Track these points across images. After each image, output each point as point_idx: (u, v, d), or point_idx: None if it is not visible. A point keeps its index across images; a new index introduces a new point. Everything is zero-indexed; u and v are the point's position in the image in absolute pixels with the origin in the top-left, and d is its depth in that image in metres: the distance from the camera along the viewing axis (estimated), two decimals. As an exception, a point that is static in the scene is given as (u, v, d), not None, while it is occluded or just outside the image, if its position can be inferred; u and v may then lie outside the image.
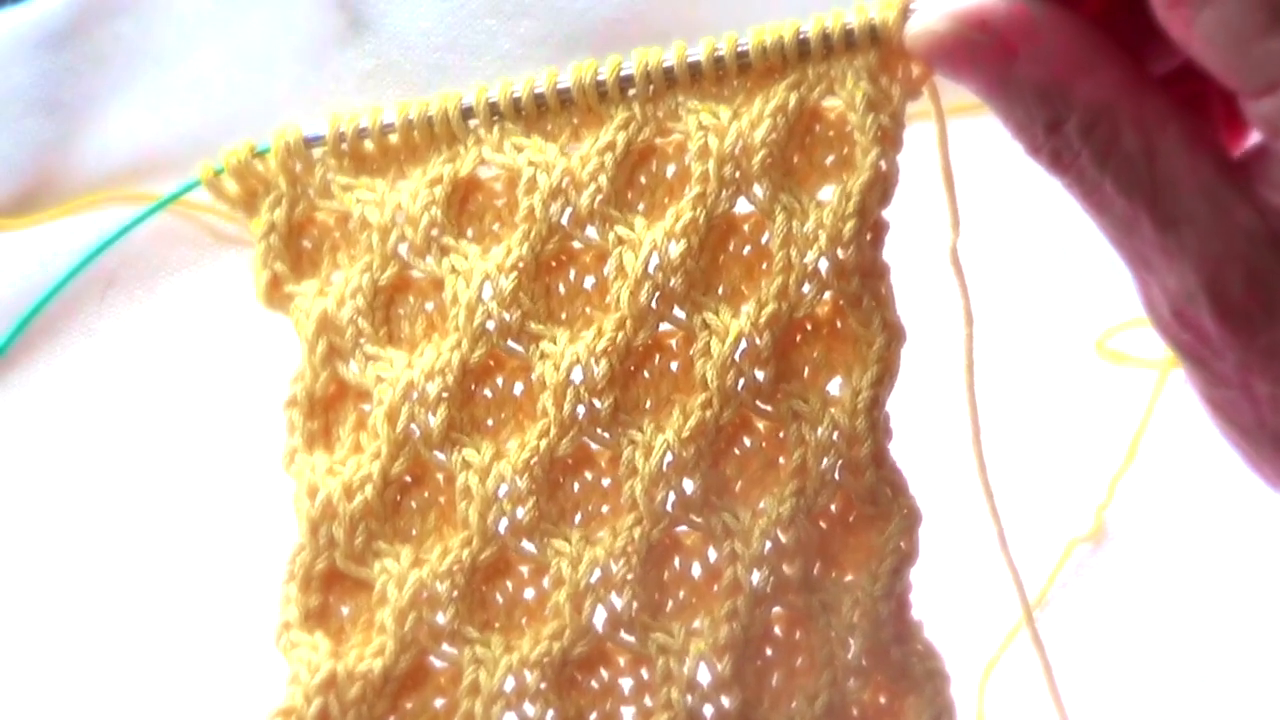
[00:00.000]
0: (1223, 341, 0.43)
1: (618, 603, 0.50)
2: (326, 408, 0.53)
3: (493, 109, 0.52)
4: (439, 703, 0.52)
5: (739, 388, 0.50)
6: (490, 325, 0.51)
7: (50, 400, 0.77)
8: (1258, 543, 0.71)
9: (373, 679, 0.50)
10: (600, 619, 0.51)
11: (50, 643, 0.71)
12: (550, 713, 0.50)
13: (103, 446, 0.76)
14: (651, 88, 0.51)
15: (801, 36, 0.49)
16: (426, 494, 0.52)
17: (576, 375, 0.50)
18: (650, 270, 0.50)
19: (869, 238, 0.50)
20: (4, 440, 0.76)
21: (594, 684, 0.52)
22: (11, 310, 0.79)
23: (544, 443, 0.51)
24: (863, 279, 0.50)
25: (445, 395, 0.51)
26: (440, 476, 0.52)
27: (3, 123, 0.81)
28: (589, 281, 0.52)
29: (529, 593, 0.52)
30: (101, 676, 0.70)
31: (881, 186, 0.50)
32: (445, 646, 0.51)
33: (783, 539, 0.50)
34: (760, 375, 0.50)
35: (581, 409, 0.51)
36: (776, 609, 0.51)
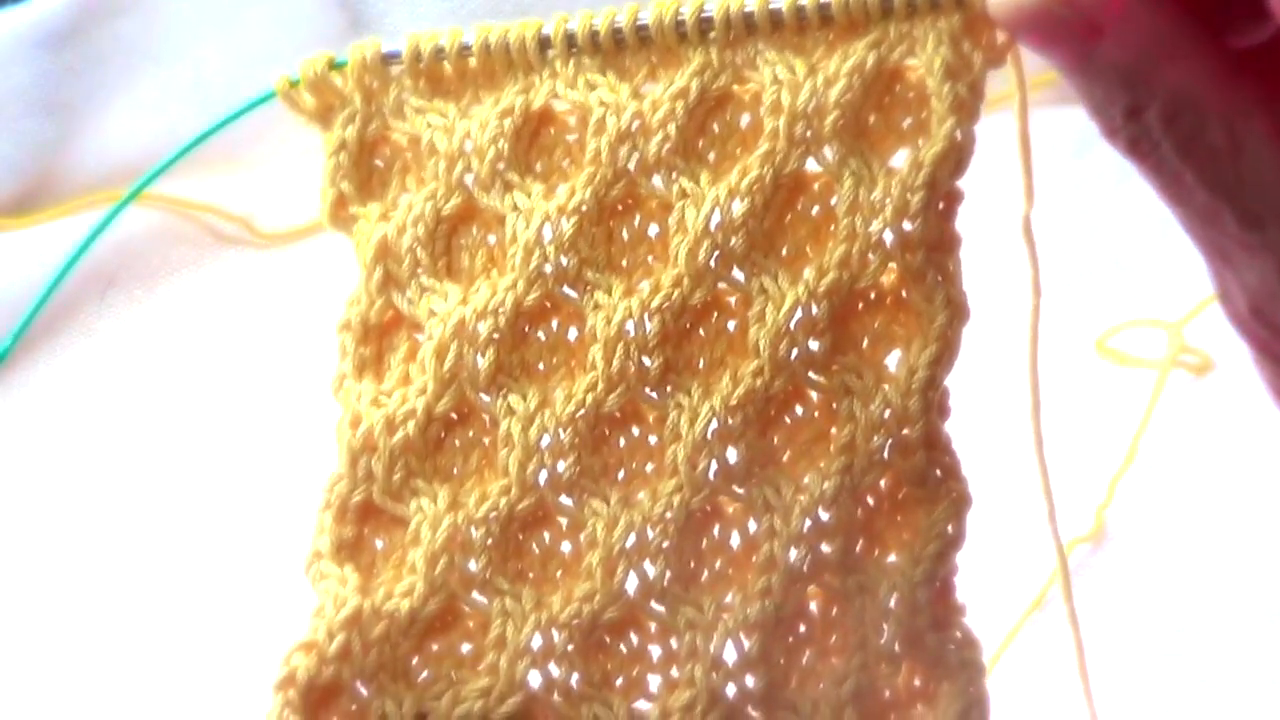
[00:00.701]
0: None
1: (650, 571, 0.49)
2: (380, 334, 0.52)
3: (570, 41, 0.50)
4: (465, 648, 0.51)
5: (791, 357, 0.49)
6: (547, 268, 0.50)
7: (50, 400, 0.77)
8: (1258, 543, 0.71)
9: (399, 619, 0.49)
10: (632, 585, 0.50)
11: (51, 642, 0.71)
12: (575, 675, 0.50)
13: (103, 446, 0.76)
14: (731, 33, 0.49)
15: None
16: (471, 433, 0.51)
17: (629, 329, 0.49)
18: (711, 228, 0.49)
19: (941, 208, 0.49)
20: (4, 440, 0.76)
21: (622, 648, 0.51)
22: (11, 310, 0.79)
23: (590, 397, 0.50)
24: (928, 253, 0.48)
25: (496, 336, 0.50)
26: (486, 417, 0.51)
27: (3, 123, 0.81)
28: (653, 229, 0.51)
29: (566, 545, 0.51)
30: (101, 675, 0.70)
31: (956, 157, 0.48)
32: (476, 594, 0.50)
33: (824, 517, 0.49)
34: (815, 345, 0.49)
35: (631, 365, 0.49)
36: (812, 588, 0.50)
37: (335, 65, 0.52)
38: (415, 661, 0.50)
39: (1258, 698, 0.67)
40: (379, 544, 0.51)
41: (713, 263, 0.49)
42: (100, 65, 0.81)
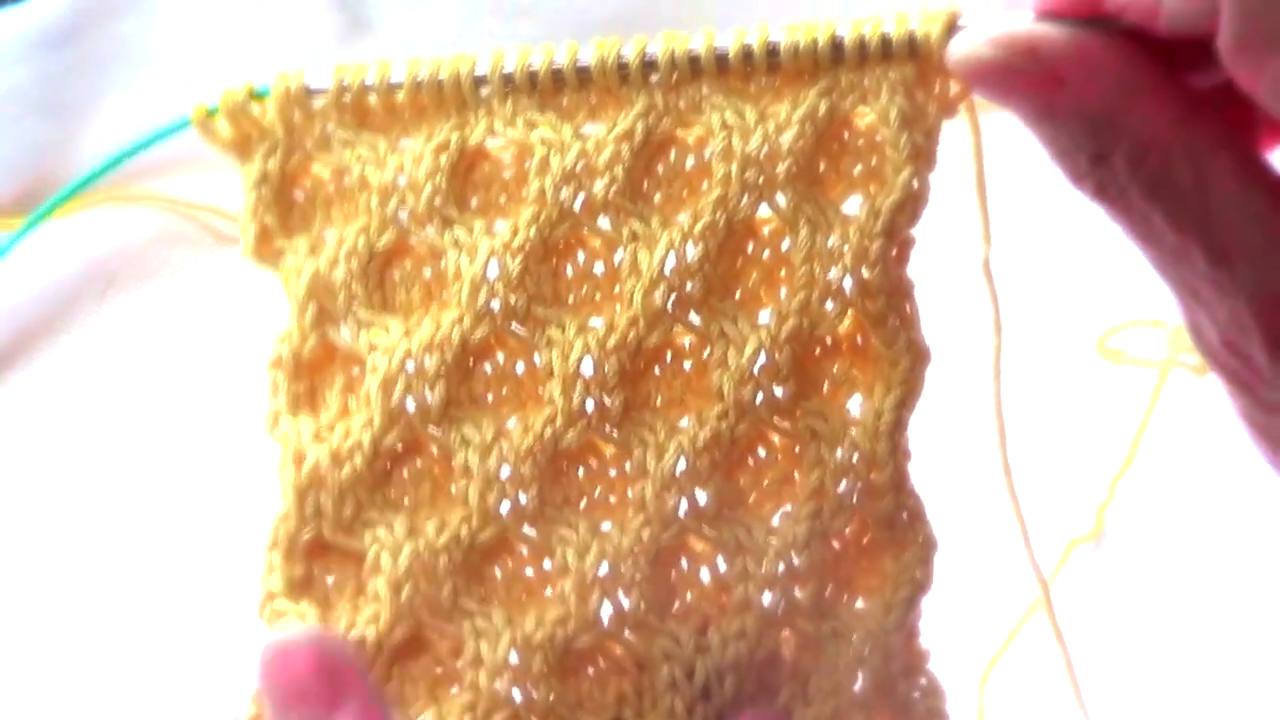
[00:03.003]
0: (1273, 372, 0.41)
1: (625, 602, 0.49)
2: (313, 370, 0.51)
3: (506, 80, 0.50)
4: (439, 670, 0.50)
5: (756, 401, 0.49)
6: (495, 305, 0.49)
7: (50, 400, 0.77)
8: (1258, 543, 0.71)
9: (366, 646, 0.49)
10: (606, 613, 0.49)
11: (51, 641, 0.71)
12: (551, 695, 0.49)
13: (102, 446, 0.76)
14: (675, 75, 0.49)
15: (837, 42, 0.48)
16: (419, 464, 0.51)
17: (586, 368, 0.49)
18: (666, 272, 0.49)
19: (895, 255, 0.49)
20: (4, 440, 0.76)
21: (591, 673, 0.51)
22: (11, 310, 0.79)
23: (550, 431, 0.49)
24: (888, 298, 0.49)
25: (443, 370, 0.49)
26: (434, 449, 0.51)
27: (3, 123, 0.81)
28: (598, 267, 0.51)
29: (529, 571, 0.51)
30: (100, 674, 0.70)
31: (912, 206, 0.48)
32: (442, 619, 0.50)
33: (796, 561, 0.49)
34: (779, 391, 0.49)
35: (591, 403, 0.49)
36: (785, 632, 0.50)
37: (256, 95, 0.51)
38: (389, 686, 0.50)
39: (1258, 698, 0.67)
40: (330, 580, 0.51)
41: (670, 306, 0.49)
42: (100, 65, 0.81)
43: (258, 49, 0.81)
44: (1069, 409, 0.75)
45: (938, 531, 0.50)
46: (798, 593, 0.49)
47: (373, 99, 0.51)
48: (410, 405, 0.50)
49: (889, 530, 0.50)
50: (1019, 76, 0.42)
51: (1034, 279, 0.76)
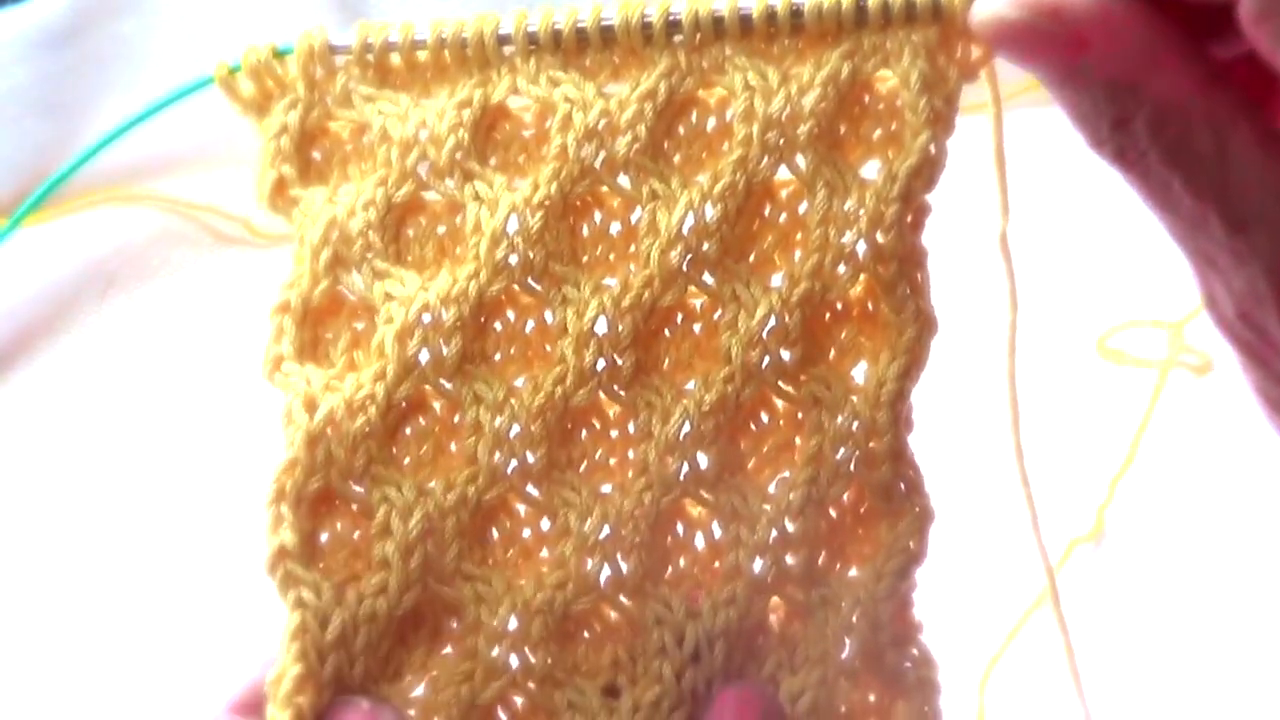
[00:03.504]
0: None
1: (623, 566, 0.49)
2: (318, 320, 0.51)
3: (531, 39, 0.50)
4: (439, 637, 0.50)
5: (763, 365, 0.49)
6: (513, 259, 0.49)
7: (50, 400, 0.77)
8: (1258, 543, 0.71)
9: (378, 621, 0.48)
10: (604, 577, 0.49)
11: (51, 641, 0.71)
12: (549, 660, 0.49)
13: (102, 446, 0.76)
14: (699, 36, 0.49)
15: (860, 3, 0.48)
16: (423, 422, 0.50)
17: (600, 327, 0.49)
18: (684, 231, 0.49)
19: (910, 221, 0.48)
20: (4, 439, 0.76)
21: (586, 636, 0.50)
22: (11, 310, 0.79)
23: (560, 390, 0.49)
24: (900, 264, 0.48)
25: (459, 324, 0.49)
26: (438, 406, 0.51)
27: (3, 123, 0.81)
28: (614, 227, 0.51)
29: (526, 532, 0.51)
30: (100, 673, 0.70)
31: (929, 171, 0.48)
32: (444, 586, 0.49)
33: (790, 528, 0.49)
34: (786, 355, 0.49)
35: (602, 362, 0.49)
36: (774, 600, 0.50)
37: (279, 53, 0.51)
38: (394, 658, 0.49)
39: (1258, 697, 0.67)
40: (324, 537, 0.50)
41: (685, 266, 0.49)
42: (100, 65, 0.81)
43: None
44: (1069, 409, 0.75)
45: (937, 507, 0.50)
46: (789, 559, 0.49)
47: (396, 58, 0.51)
48: (424, 357, 0.49)
49: (886, 500, 0.50)
50: (1042, 38, 0.43)
51: (1034, 280, 0.76)
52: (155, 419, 0.76)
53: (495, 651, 0.49)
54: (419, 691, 0.49)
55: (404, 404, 0.50)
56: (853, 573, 0.50)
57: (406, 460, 0.50)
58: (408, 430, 0.50)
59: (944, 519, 0.52)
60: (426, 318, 0.49)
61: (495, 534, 0.51)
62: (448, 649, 0.50)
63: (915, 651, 0.50)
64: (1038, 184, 0.71)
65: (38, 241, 0.79)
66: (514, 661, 0.49)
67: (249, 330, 0.76)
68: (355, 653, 0.48)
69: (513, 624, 0.49)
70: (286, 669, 0.47)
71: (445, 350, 0.49)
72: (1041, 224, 0.77)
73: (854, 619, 0.49)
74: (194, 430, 0.76)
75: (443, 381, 0.50)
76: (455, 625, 0.50)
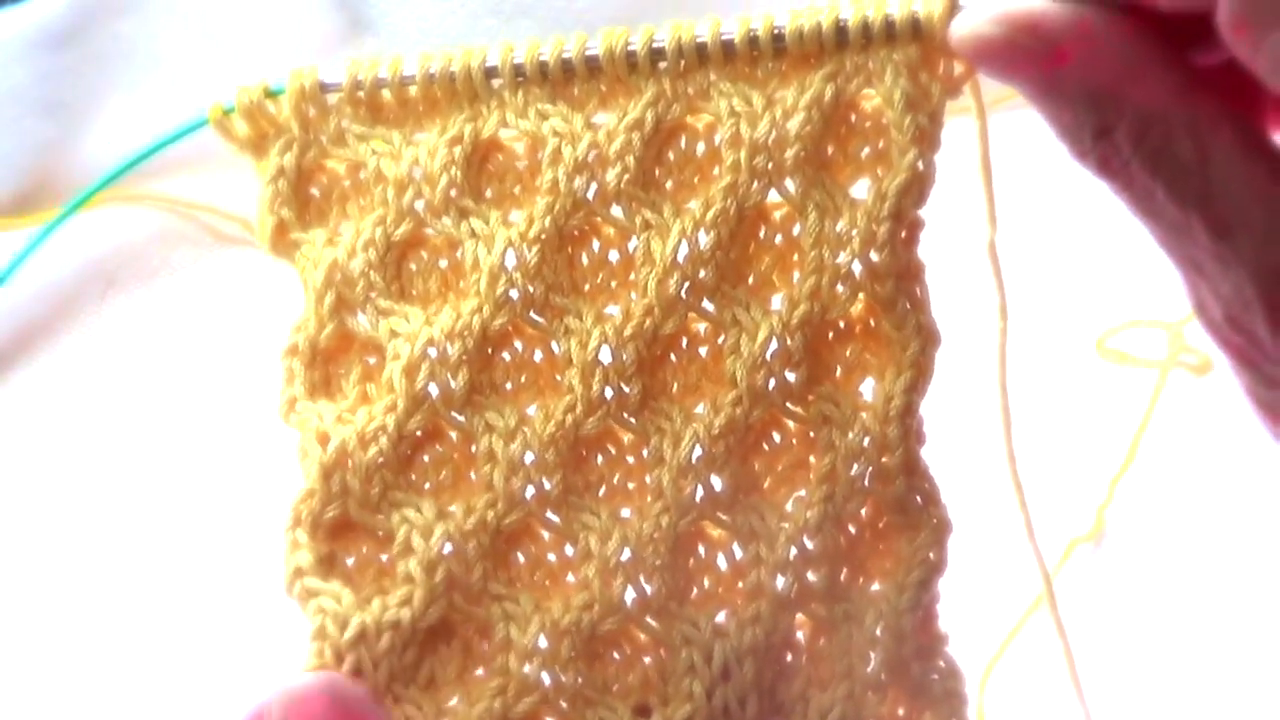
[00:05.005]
0: (1276, 346, 0.42)
1: (647, 588, 0.50)
2: (328, 359, 0.52)
3: (517, 71, 0.50)
4: (467, 654, 0.51)
5: (769, 387, 0.49)
6: (513, 294, 0.50)
7: (50, 400, 0.77)
8: (1258, 543, 0.71)
9: (402, 629, 0.49)
10: (629, 598, 0.50)
11: (50, 641, 0.71)
12: (579, 679, 0.50)
13: (103, 446, 0.76)
14: (683, 62, 0.49)
15: (841, 25, 0.48)
16: (440, 449, 0.51)
17: (604, 356, 0.50)
18: (679, 260, 0.49)
19: (903, 237, 0.49)
20: (4, 439, 0.76)
21: (616, 657, 0.51)
22: (11, 310, 0.79)
23: (570, 418, 0.50)
24: (897, 281, 0.49)
25: (466, 357, 0.50)
26: (454, 435, 0.51)
27: (3, 123, 0.81)
28: (613, 255, 0.51)
29: (551, 557, 0.51)
30: (100, 674, 0.70)
31: (918, 188, 0.48)
32: (472, 604, 0.50)
33: (809, 545, 0.49)
34: (791, 377, 0.49)
35: (610, 391, 0.50)
36: (800, 616, 0.51)
37: (271, 93, 0.51)
38: (424, 669, 0.50)
39: (1257, 697, 0.67)
40: (349, 561, 0.51)
41: (683, 294, 0.50)
42: (100, 65, 0.81)
43: (258, 48, 0.81)
44: (1069, 409, 0.75)
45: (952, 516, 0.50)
46: (811, 576, 0.50)
47: (386, 93, 0.51)
48: (434, 390, 0.50)
49: (902, 513, 0.50)
50: (1022, 54, 0.43)
51: (1034, 280, 0.76)
52: (155, 419, 0.76)
53: (527, 668, 0.49)
54: (454, 702, 0.50)
55: (418, 433, 0.51)
56: (875, 587, 0.51)
57: (427, 485, 0.51)
58: (425, 457, 0.51)
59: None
60: (433, 352, 0.50)
61: (521, 558, 0.51)
62: (480, 670, 0.50)
63: (941, 663, 0.51)
64: (1038, 184, 0.71)
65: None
66: (546, 679, 0.50)
67: (249, 330, 0.76)
68: (378, 655, 0.49)
69: (542, 643, 0.49)
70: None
71: (453, 384, 0.50)
72: (1041, 224, 0.77)
73: (878, 632, 0.50)
74: (194, 430, 0.76)
75: (454, 413, 0.50)
76: (486, 646, 0.50)
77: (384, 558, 0.51)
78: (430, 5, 0.83)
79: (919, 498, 0.50)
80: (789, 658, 0.50)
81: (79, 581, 0.72)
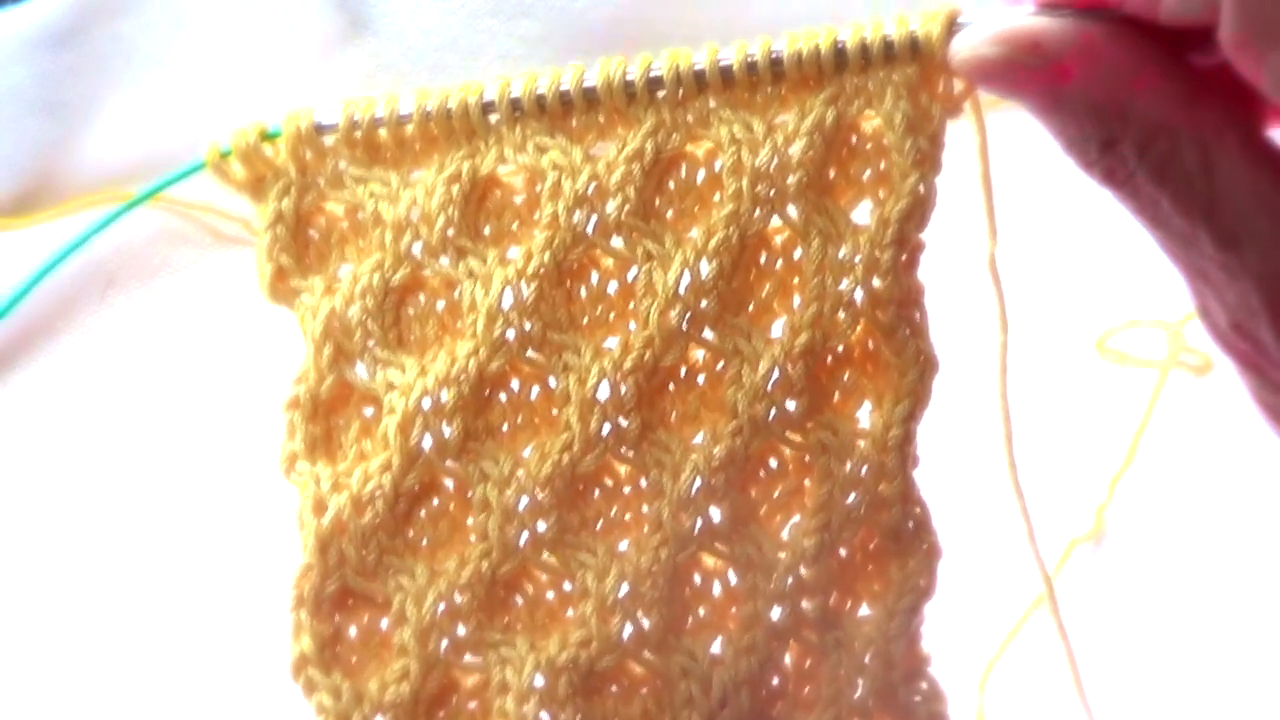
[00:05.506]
0: None
1: (645, 622, 0.50)
2: (329, 411, 0.52)
3: (514, 105, 0.50)
4: (472, 706, 0.51)
5: (770, 418, 0.49)
6: (510, 334, 0.49)
7: (50, 400, 0.77)
8: (1258, 543, 0.71)
9: (404, 705, 0.49)
10: (627, 633, 0.50)
11: (50, 642, 0.71)
12: (578, 716, 0.50)
13: (102, 447, 0.76)
14: (682, 91, 0.49)
15: (839, 47, 0.47)
16: (436, 502, 0.51)
17: (602, 392, 0.49)
18: (681, 291, 0.49)
19: (904, 261, 0.49)
20: (4, 440, 0.76)
21: (614, 690, 0.51)
22: (11, 309, 0.79)
23: (566, 457, 0.49)
24: (898, 307, 0.49)
25: (460, 404, 0.49)
26: (450, 483, 0.51)
27: (3, 123, 0.80)
28: (612, 286, 0.51)
29: (550, 595, 0.51)
30: (100, 675, 0.70)
31: (920, 212, 0.48)
32: (468, 657, 0.50)
33: (804, 575, 0.49)
34: (792, 406, 0.49)
35: (607, 426, 0.49)
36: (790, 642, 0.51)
37: (268, 136, 0.51)
38: None
39: (1257, 697, 0.67)
40: (353, 631, 0.51)
41: (684, 325, 0.49)
42: (100, 65, 0.81)
43: (258, 49, 0.81)
44: (1069, 409, 0.75)
45: (941, 535, 0.50)
46: (805, 604, 0.50)
47: (382, 133, 0.51)
48: (428, 443, 0.50)
49: (895, 539, 0.50)
50: (1024, 72, 0.43)
51: (1034, 280, 0.76)
52: (155, 419, 0.76)
53: (525, 708, 0.49)
54: None
55: (415, 488, 0.50)
56: (864, 611, 0.51)
57: (424, 541, 0.51)
58: (422, 512, 0.51)
59: (945, 519, 0.52)
60: (427, 403, 0.50)
61: (519, 600, 0.51)
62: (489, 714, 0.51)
63: (924, 685, 0.51)
64: (1038, 184, 0.71)
65: (38, 241, 0.78)
66: (545, 718, 0.50)
67: (249, 330, 0.76)
68: None
69: (539, 682, 0.50)
70: None
71: (447, 432, 0.50)
72: (1041, 224, 0.77)
73: (867, 659, 0.50)
74: (194, 430, 0.75)
75: (449, 462, 0.50)
76: (486, 695, 0.51)
77: (384, 623, 0.51)
78: (430, 5, 0.82)
79: (912, 524, 0.50)
80: (775, 681, 0.51)
81: (79, 581, 0.72)
